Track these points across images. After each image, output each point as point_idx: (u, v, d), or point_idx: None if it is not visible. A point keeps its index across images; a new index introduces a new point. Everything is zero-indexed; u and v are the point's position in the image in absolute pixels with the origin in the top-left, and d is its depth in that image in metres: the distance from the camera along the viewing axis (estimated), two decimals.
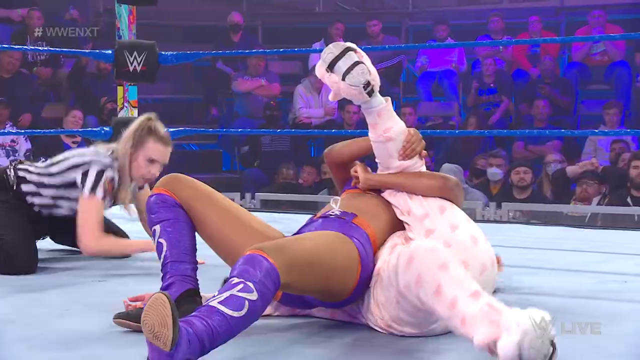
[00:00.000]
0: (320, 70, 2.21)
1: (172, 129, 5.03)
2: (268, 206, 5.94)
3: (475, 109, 7.92)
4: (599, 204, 6.08)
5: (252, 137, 7.92)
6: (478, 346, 1.74)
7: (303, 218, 2.30)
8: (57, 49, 6.75)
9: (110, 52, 4.74)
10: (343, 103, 7.90)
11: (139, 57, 4.65)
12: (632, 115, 7.57)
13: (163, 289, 2.03)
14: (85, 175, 2.91)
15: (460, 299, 1.81)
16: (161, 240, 2.07)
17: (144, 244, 3.01)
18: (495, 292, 2.27)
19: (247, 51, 7.20)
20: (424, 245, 1.91)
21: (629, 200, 5.82)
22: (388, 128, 2.26)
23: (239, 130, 7.51)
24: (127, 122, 4.84)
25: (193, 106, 8.77)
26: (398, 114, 7.89)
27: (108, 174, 2.95)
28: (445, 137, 7.56)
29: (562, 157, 6.95)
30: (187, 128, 5.47)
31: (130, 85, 4.94)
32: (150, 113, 3.05)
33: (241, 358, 1.86)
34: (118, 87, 5.03)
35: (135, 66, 4.64)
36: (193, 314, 1.72)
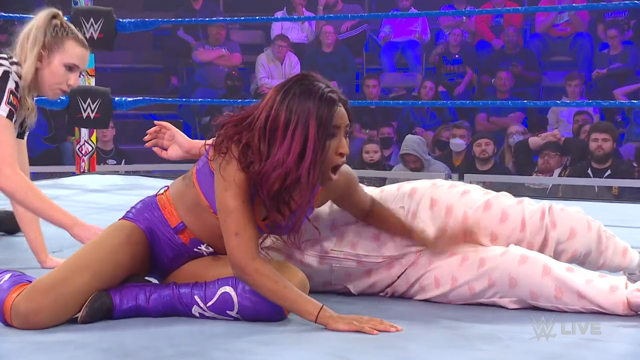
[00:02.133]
0: None
1: (130, 99, 4.99)
2: None
3: (439, 78, 7.94)
4: (560, 175, 6.15)
5: (213, 108, 7.84)
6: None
7: None
8: (11, 15, 6.60)
9: (65, 18, 4.64)
10: (304, 72, 7.85)
11: (96, 24, 4.57)
12: (594, 87, 7.64)
13: None
14: None
15: (581, 288, 2.00)
16: None
17: (69, 220, 2.33)
18: None
19: (207, 19, 7.11)
20: (512, 259, 2.04)
21: (589, 172, 5.88)
22: None
23: (200, 100, 7.44)
24: (83, 91, 4.82)
25: (153, 76, 8.67)
26: (361, 86, 7.89)
27: (10, 84, 2.39)
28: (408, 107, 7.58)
29: (524, 129, 7.00)
30: (147, 98, 5.40)
31: None
32: (54, 9, 2.48)
33: None
34: None
35: (92, 33, 4.56)
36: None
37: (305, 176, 1.86)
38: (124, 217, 2.06)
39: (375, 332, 1.84)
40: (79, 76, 2.52)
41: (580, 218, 2.17)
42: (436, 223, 2.14)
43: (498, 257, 2.06)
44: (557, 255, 2.14)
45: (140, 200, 2.08)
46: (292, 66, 7.96)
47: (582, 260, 2.18)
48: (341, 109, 1.91)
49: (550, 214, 2.15)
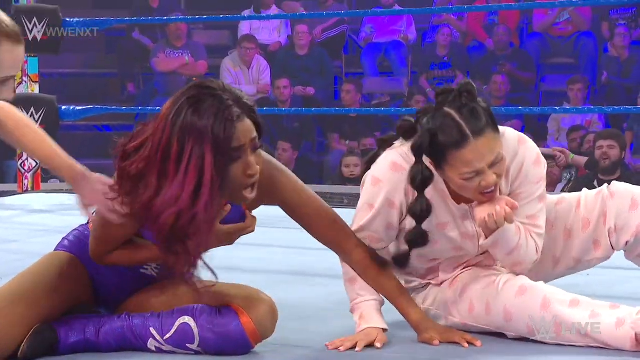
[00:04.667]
0: None
1: (80, 108, 4.96)
2: None
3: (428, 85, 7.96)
4: (563, 190, 6.19)
5: None
6: None
7: None
8: None
9: None
10: (274, 78, 7.86)
11: (40, 24, 4.56)
12: (598, 92, 7.70)
13: None
14: None
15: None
16: None
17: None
18: None
19: (167, 18, 7.10)
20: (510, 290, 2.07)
21: (595, 184, 5.92)
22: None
23: (158, 108, 7.39)
24: (26, 99, 4.78)
25: (106, 82, 8.64)
26: (340, 92, 7.81)
27: None
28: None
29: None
30: (98, 106, 5.37)
31: (30, 56, 4.84)
32: None
33: None
34: None
35: (35, 34, 4.55)
36: None
37: (202, 213, 1.80)
38: (58, 249, 2.08)
39: None
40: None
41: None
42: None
43: (497, 288, 2.08)
44: (619, 233, 2.16)
45: (73, 231, 2.10)
46: (261, 71, 7.97)
47: None
48: (243, 124, 1.83)
49: (608, 188, 2.21)
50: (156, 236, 1.85)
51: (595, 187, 6.27)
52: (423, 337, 2.05)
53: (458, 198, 2.09)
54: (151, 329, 1.95)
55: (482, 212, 2.02)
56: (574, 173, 6.36)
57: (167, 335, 1.94)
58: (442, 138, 1.96)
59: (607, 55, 7.72)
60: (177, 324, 1.94)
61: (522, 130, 7.30)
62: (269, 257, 2.99)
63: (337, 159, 6.91)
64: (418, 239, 2.06)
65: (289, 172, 2.04)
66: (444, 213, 2.10)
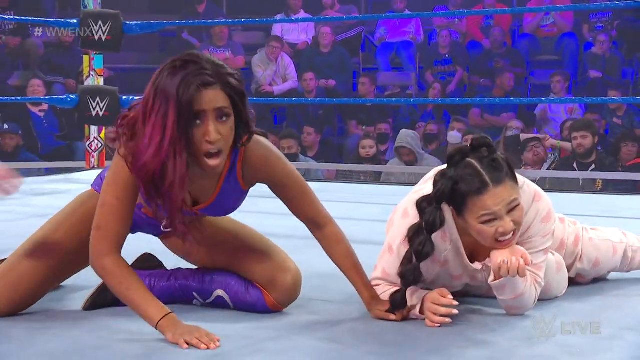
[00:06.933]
0: None
1: (137, 97, 4.98)
2: None
3: (432, 79, 7.94)
4: (549, 168, 6.18)
5: None
6: None
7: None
8: (24, 18, 6.60)
9: (75, 21, 4.68)
10: (301, 72, 7.85)
11: (104, 26, 4.59)
12: (579, 85, 7.66)
13: None
14: None
15: None
16: None
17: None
18: None
19: (210, 21, 7.10)
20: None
21: (575, 165, 5.91)
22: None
23: None
24: (93, 90, 4.82)
25: None
26: (358, 85, 7.78)
27: None
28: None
29: (523, 125, 6.96)
30: None
31: (96, 54, 4.88)
32: None
33: None
34: (84, 55, 4.96)
35: (100, 35, 4.58)
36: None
37: (168, 167, 1.67)
38: (93, 186, 1.99)
39: (203, 346, 1.67)
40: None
41: (607, 247, 2.22)
42: None
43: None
44: (580, 278, 2.23)
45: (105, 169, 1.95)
46: (286, 67, 7.95)
47: (607, 275, 2.30)
48: (210, 92, 1.68)
49: (582, 242, 2.20)
50: (140, 182, 1.73)
51: (574, 169, 6.23)
52: (376, 314, 1.88)
53: (472, 258, 1.96)
54: (194, 293, 1.98)
55: (500, 256, 1.86)
56: (557, 155, 6.33)
57: (207, 302, 1.98)
58: (464, 186, 1.82)
59: (589, 53, 7.66)
60: (215, 295, 1.96)
61: (514, 117, 7.32)
62: (294, 225, 3.01)
63: (355, 142, 6.92)
64: (410, 275, 1.85)
65: (283, 157, 1.88)
66: (458, 268, 1.96)
